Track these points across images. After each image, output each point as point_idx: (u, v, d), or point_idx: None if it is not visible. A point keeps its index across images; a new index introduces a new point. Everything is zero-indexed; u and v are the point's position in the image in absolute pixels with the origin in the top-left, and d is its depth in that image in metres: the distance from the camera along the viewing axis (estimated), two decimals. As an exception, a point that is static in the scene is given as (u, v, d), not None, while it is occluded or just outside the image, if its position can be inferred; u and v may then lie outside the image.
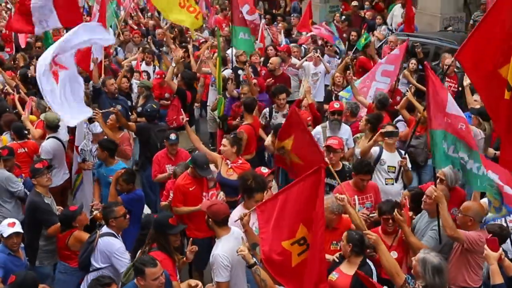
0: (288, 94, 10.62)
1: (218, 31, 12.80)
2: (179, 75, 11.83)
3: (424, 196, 6.80)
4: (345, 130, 9.32)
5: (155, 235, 6.26)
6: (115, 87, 10.95)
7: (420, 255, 5.47)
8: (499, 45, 6.34)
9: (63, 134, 9.36)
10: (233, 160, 8.34)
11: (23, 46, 15.47)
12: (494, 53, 6.39)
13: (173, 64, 11.53)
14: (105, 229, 6.70)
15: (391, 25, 17.53)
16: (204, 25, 17.70)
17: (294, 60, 13.28)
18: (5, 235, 6.76)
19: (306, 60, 13.05)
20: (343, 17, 17.33)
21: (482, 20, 6.54)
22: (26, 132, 9.32)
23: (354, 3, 19.71)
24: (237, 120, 10.56)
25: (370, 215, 7.32)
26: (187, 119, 9.35)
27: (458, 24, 15.83)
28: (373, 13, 18.61)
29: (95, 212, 7.88)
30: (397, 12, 17.66)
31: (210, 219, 6.15)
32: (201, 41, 15.89)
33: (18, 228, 6.85)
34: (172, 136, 8.79)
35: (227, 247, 6.01)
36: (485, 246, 5.41)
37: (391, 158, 8.38)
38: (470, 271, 6.35)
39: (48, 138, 9.20)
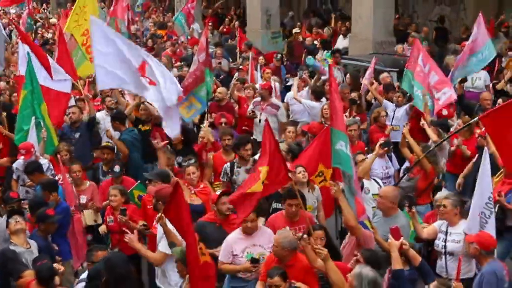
0: (253, 145, 9.14)
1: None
2: None
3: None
4: None
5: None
6: None
7: (356, 270, 5.63)
8: None
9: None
10: (195, 185, 8.29)
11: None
12: None
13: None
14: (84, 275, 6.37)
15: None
16: None
17: (274, 100, 12.09)
18: None
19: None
20: None
21: None
22: None
23: (296, 30, 20.55)
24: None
25: None
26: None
27: (389, 47, 16.77)
28: (312, 39, 19.47)
29: None
30: (340, 42, 18.58)
31: (159, 202, 6.78)
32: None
33: None
34: (116, 168, 8.70)
35: None
36: (389, 235, 6.08)
37: (373, 186, 8.34)
38: None
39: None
